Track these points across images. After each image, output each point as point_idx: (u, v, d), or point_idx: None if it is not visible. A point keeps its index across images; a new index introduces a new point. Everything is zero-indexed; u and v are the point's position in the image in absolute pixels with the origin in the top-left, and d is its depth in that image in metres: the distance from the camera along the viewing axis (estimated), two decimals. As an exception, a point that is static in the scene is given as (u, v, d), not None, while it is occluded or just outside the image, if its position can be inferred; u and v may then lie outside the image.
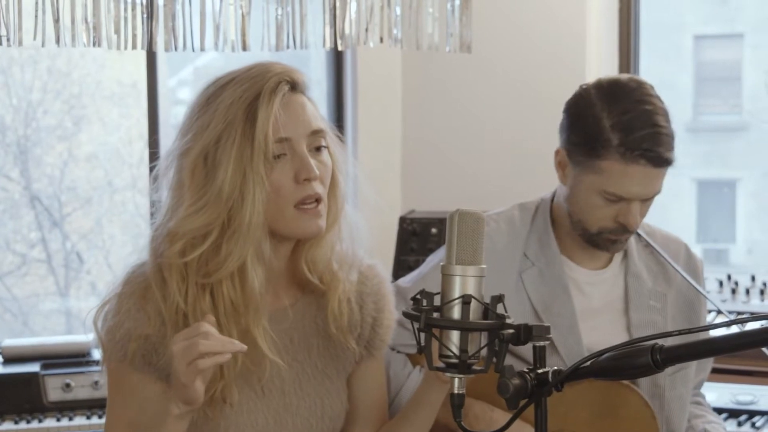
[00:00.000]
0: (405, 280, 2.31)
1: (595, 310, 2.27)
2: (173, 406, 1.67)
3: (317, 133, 1.81)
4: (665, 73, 6.42)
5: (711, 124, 6.82)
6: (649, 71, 4.19)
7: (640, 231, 2.29)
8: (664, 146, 2.11)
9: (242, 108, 1.76)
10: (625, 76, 2.22)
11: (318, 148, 1.82)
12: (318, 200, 1.80)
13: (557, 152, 2.23)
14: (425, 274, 2.28)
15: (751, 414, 3.18)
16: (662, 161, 2.12)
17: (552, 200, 2.31)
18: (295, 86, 1.82)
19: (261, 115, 1.75)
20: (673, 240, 2.38)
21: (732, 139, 6.87)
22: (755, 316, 1.50)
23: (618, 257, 2.31)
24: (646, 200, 2.17)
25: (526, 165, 3.83)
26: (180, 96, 5.09)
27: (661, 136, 2.11)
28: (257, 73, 1.80)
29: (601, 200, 2.15)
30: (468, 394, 1.54)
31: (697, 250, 2.45)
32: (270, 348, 1.80)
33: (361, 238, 1.94)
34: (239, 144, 1.75)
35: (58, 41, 2.55)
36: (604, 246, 2.22)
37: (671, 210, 6.35)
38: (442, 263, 1.53)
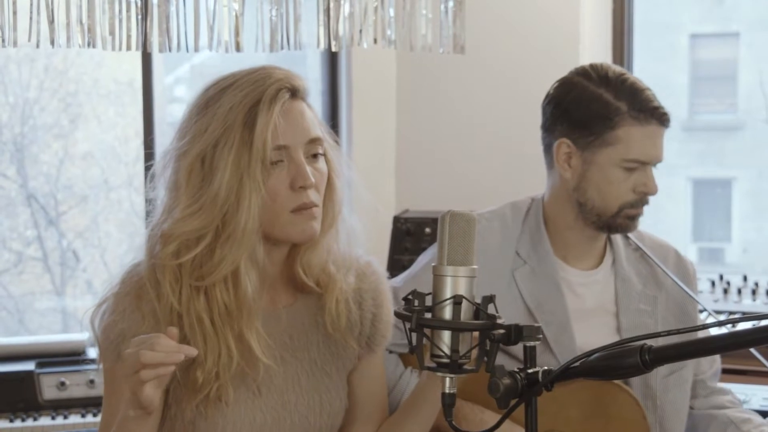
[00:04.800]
0: (397, 280, 2.32)
1: (587, 311, 2.27)
2: (128, 410, 1.66)
3: (315, 141, 1.82)
4: (661, 72, 6.43)
5: (706, 123, 6.83)
6: (644, 70, 4.20)
7: (630, 235, 2.31)
8: (662, 105, 2.20)
9: (242, 113, 1.76)
10: (588, 63, 2.28)
11: (315, 156, 1.82)
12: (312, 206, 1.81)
13: (559, 145, 2.24)
14: (416, 273, 2.29)
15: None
16: (668, 119, 2.21)
17: (543, 200, 2.32)
18: (295, 93, 1.82)
19: (260, 121, 1.75)
20: (662, 244, 2.39)
21: (727, 138, 6.87)
22: (745, 317, 1.51)
23: (608, 259, 2.32)
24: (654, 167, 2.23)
25: (519, 165, 3.83)
26: (177, 94, 5.10)
27: (656, 97, 2.21)
28: (258, 78, 1.79)
29: (620, 172, 2.19)
30: (459, 395, 1.55)
31: (692, 250, 2.46)
32: (264, 351, 1.81)
33: (358, 239, 1.94)
34: (237, 149, 1.75)
35: (53, 42, 2.56)
36: (623, 226, 2.24)
37: (666, 209, 6.34)
38: (433, 263, 1.53)
